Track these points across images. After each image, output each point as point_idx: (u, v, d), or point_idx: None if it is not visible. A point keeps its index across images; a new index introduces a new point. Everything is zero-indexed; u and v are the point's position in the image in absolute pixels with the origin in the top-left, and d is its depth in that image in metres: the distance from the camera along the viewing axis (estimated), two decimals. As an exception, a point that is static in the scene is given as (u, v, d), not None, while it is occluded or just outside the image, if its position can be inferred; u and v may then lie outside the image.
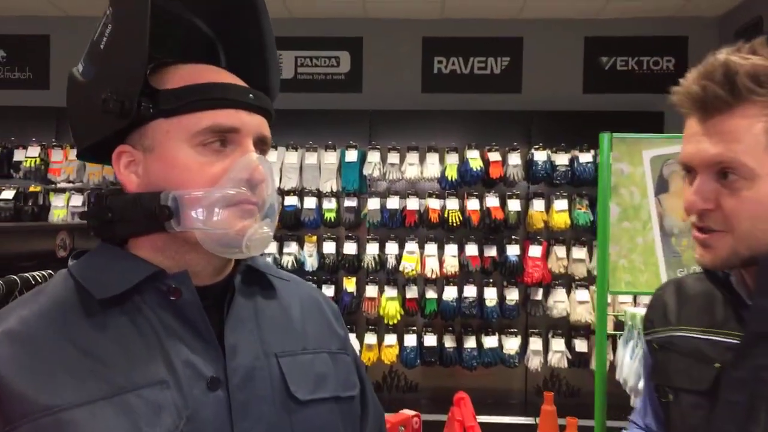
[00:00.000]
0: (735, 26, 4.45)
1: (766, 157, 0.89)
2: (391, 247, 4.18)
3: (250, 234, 0.80)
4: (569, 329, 4.26)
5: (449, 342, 4.21)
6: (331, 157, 4.22)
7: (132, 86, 0.78)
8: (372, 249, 4.19)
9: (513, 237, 4.19)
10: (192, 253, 0.82)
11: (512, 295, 4.18)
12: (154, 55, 0.82)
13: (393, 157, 4.22)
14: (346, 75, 4.89)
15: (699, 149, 0.93)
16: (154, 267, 0.81)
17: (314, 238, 4.30)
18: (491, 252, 4.18)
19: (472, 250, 4.14)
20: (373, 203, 4.19)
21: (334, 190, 4.22)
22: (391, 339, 4.18)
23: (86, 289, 0.79)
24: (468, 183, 4.14)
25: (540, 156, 4.14)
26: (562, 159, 4.14)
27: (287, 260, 4.19)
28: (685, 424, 1.03)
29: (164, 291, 0.80)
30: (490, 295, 4.15)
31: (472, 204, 4.12)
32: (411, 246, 4.15)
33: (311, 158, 4.23)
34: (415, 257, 4.13)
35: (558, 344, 4.18)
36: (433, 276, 4.11)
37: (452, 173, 4.13)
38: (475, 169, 4.08)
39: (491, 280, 4.20)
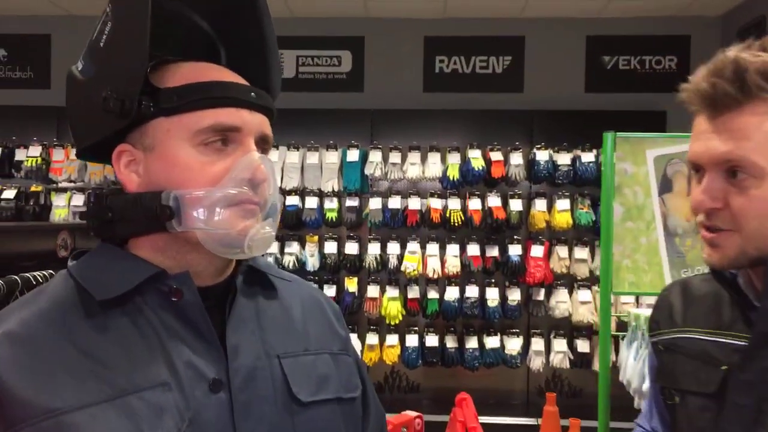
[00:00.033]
0: (737, 25, 4.44)
1: None
2: (393, 247, 4.17)
3: (252, 234, 0.79)
4: (571, 329, 4.26)
5: (451, 342, 4.21)
6: (332, 157, 4.22)
7: (132, 85, 0.77)
8: (374, 249, 4.19)
9: (515, 237, 4.18)
10: (193, 254, 0.81)
11: (514, 296, 4.18)
12: (155, 53, 0.81)
13: (395, 157, 4.21)
14: (347, 74, 4.89)
15: (708, 147, 0.92)
16: (156, 267, 0.80)
17: (316, 237, 4.29)
18: (493, 252, 4.17)
19: (473, 250, 4.14)
20: (375, 203, 4.18)
21: (336, 189, 4.21)
22: (392, 339, 4.18)
23: (87, 290, 0.78)
24: (470, 183, 4.13)
25: (542, 155, 4.13)
26: (564, 158, 4.13)
27: (289, 260, 4.19)
28: (691, 426, 1.02)
29: (165, 292, 0.79)
30: (492, 295, 4.14)
31: (474, 204, 4.11)
32: (413, 246, 4.14)
33: (313, 158, 4.23)
34: (417, 257, 4.12)
35: (560, 345, 4.17)
36: (435, 276, 4.10)
37: (454, 173, 4.12)
38: (476, 169, 4.07)
39: (493, 280, 4.19)
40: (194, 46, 0.90)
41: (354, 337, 4.17)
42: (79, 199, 4.22)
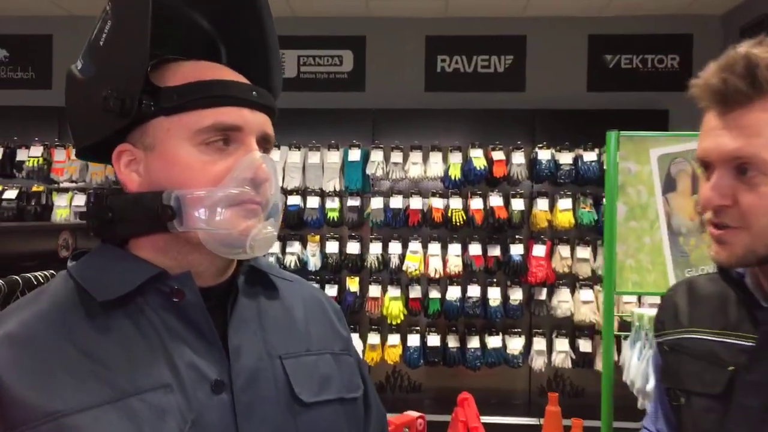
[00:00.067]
0: (740, 24, 4.43)
1: None
2: (395, 247, 4.17)
3: (254, 234, 0.78)
4: (573, 329, 4.25)
5: (452, 342, 4.20)
6: (334, 157, 4.22)
7: (133, 84, 0.76)
8: (375, 248, 4.18)
9: (517, 236, 4.18)
10: (194, 254, 0.80)
11: (516, 295, 4.17)
12: (155, 52, 0.80)
13: (396, 156, 4.21)
14: (349, 74, 4.88)
15: (718, 144, 0.91)
16: (157, 268, 0.79)
17: (317, 237, 4.29)
18: (495, 251, 4.17)
19: (475, 249, 4.13)
20: (376, 202, 4.18)
21: (337, 189, 4.21)
22: (394, 339, 4.18)
23: (87, 291, 0.78)
24: (471, 182, 4.12)
25: (544, 155, 4.13)
26: (566, 158, 4.12)
27: (290, 260, 4.19)
28: (697, 428, 1.02)
29: (167, 292, 0.78)
30: (494, 294, 4.14)
31: (476, 203, 4.10)
32: (414, 245, 4.14)
33: (314, 157, 4.22)
34: (419, 257, 4.12)
35: (562, 344, 4.16)
36: (437, 276, 4.10)
37: (456, 172, 4.11)
38: (478, 168, 4.07)
39: (495, 280, 4.18)
40: (194, 45, 0.89)
41: (356, 337, 4.16)
42: (80, 200, 4.22)
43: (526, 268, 4.12)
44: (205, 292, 0.80)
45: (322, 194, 4.24)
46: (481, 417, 2.39)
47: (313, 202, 4.20)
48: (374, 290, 4.19)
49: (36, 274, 1.68)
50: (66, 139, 4.48)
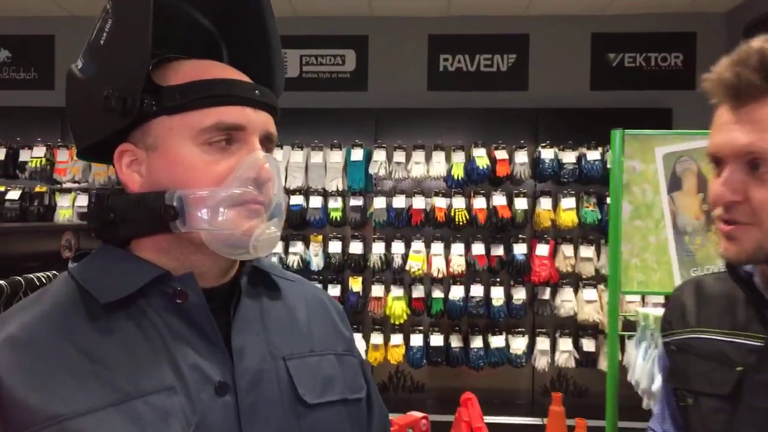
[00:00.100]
0: (743, 22, 4.41)
1: None
2: (397, 247, 4.16)
3: (257, 234, 0.78)
4: (577, 329, 4.24)
5: (456, 342, 4.20)
6: (336, 156, 4.21)
7: (134, 83, 0.76)
8: (378, 248, 4.18)
9: (520, 236, 4.17)
10: (197, 254, 0.80)
11: (519, 295, 4.16)
12: (155, 52, 0.79)
13: (399, 156, 4.20)
14: (351, 73, 4.88)
15: (730, 138, 0.90)
16: (160, 269, 0.78)
17: (320, 237, 4.28)
18: (498, 251, 4.16)
19: (478, 249, 4.12)
20: (379, 202, 4.17)
21: (340, 189, 4.21)
22: (397, 339, 4.17)
23: (89, 293, 0.77)
24: (474, 181, 4.12)
25: (547, 154, 4.12)
26: (569, 157, 4.12)
27: (293, 260, 4.18)
28: (705, 429, 1.01)
29: (170, 294, 0.78)
30: (497, 294, 4.13)
31: (479, 202, 4.10)
32: (417, 245, 4.13)
33: (317, 157, 4.22)
34: (422, 256, 4.11)
35: (565, 344, 4.15)
36: (440, 275, 4.09)
37: (458, 172, 4.11)
38: (481, 168, 4.06)
39: (498, 280, 4.18)
40: (195, 45, 0.88)
41: (358, 337, 4.16)
42: (83, 200, 4.23)
43: (529, 267, 4.12)
44: (208, 293, 0.79)
45: (325, 194, 4.24)
46: (484, 417, 2.39)
47: (315, 201, 4.20)
48: (377, 290, 4.18)
49: (39, 274, 1.68)
50: (69, 139, 4.48)
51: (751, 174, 0.89)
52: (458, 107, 4.65)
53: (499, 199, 4.11)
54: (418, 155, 4.18)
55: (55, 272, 1.72)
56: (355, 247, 4.22)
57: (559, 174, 4.10)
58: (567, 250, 4.14)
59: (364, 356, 4.35)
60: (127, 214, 0.79)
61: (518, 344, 4.16)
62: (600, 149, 4.09)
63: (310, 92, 4.78)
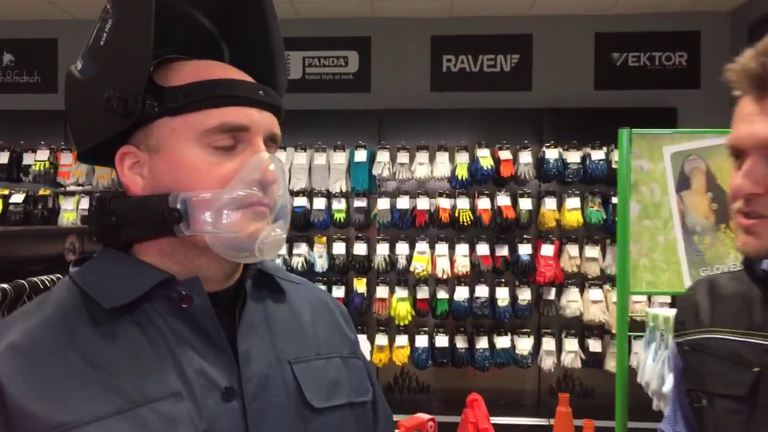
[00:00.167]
0: (748, 21, 4.39)
1: None
2: (402, 248, 4.15)
3: (263, 237, 0.76)
4: (582, 329, 4.23)
5: (461, 342, 4.18)
6: (340, 158, 4.20)
7: (136, 84, 0.74)
8: (382, 249, 4.17)
9: (525, 236, 4.16)
10: (201, 258, 0.79)
11: (524, 295, 4.15)
12: (156, 52, 0.78)
13: (402, 157, 4.20)
14: (354, 75, 4.87)
15: (753, 130, 0.89)
16: (164, 273, 0.77)
17: (324, 239, 4.28)
18: (503, 251, 4.15)
19: (483, 249, 4.11)
20: (383, 203, 4.16)
21: (344, 190, 4.20)
22: (402, 340, 4.16)
23: (92, 298, 0.76)
24: (479, 182, 4.11)
25: (551, 154, 4.11)
26: (573, 157, 4.10)
27: (297, 261, 4.18)
28: (720, 430, 0.99)
29: (174, 298, 0.77)
30: (502, 294, 4.12)
31: (483, 203, 4.08)
32: (421, 246, 4.12)
33: (320, 159, 4.22)
34: (426, 257, 4.10)
35: (571, 344, 4.14)
36: (444, 276, 4.08)
37: (462, 172, 4.09)
38: (485, 168, 4.05)
39: (503, 280, 4.16)
40: (195, 45, 0.87)
41: (363, 338, 4.15)
42: (87, 203, 4.23)
43: (534, 267, 4.10)
44: (213, 297, 0.78)
45: (329, 195, 4.23)
46: (490, 418, 2.37)
47: (319, 203, 4.19)
48: (382, 291, 4.17)
49: (42, 278, 1.67)
50: (72, 142, 4.48)
51: None
52: (462, 108, 4.64)
53: (503, 200, 4.10)
54: (422, 156, 4.18)
55: (59, 275, 1.72)
56: (360, 249, 4.22)
57: (563, 174, 4.09)
58: (572, 250, 4.12)
59: (368, 357, 4.33)
60: (129, 217, 0.78)
61: (524, 345, 4.15)
62: (604, 149, 4.08)
63: (313, 94, 4.78)
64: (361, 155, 4.20)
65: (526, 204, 4.10)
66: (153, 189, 0.78)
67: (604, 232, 4.14)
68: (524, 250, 4.11)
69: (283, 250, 4.19)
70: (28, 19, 4.87)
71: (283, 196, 0.81)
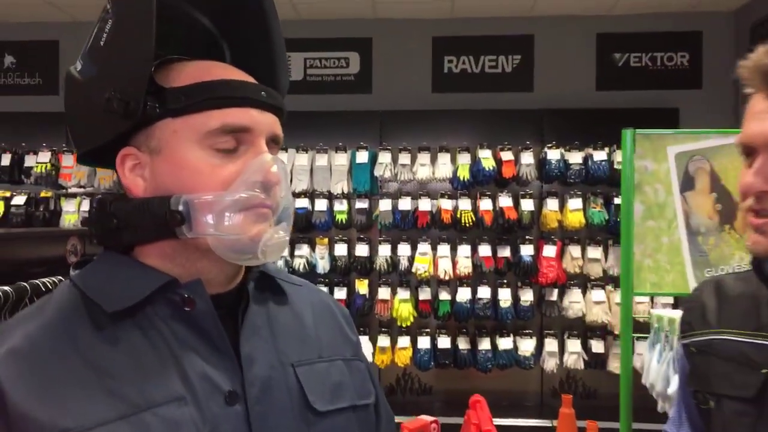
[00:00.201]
0: (750, 21, 4.38)
1: None
2: (404, 249, 4.14)
3: (266, 239, 0.76)
4: (585, 330, 4.22)
5: (463, 344, 4.18)
6: (341, 159, 4.20)
7: (137, 85, 0.74)
8: (384, 251, 4.16)
9: (527, 237, 4.15)
10: (203, 261, 0.78)
11: (527, 296, 4.14)
12: (157, 52, 0.77)
13: (404, 158, 4.19)
14: (355, 76, 4.86)
15: (765, 128, 0.88)
16: (167, 276, 0.77)
17: (326, 240, 4.27)
18: (505, 252, 4.14)
19: (485, 250, 4.10)
20: (385, 204, 4.16)
21: (345, 191, 4.19)
22: (404, 341, 4.15)
23: (93, 302, 0.75)
24: (480, 183, 4.10)
25: (553, 155, 4.10)
26: (575, 157, 4.09)
27: (299, 263, 4.17)
28: None
29: (177, 301, 0.76)
30: (504, 296, 4.11)
31: (485, 204, 4.08)
32: (423, 247, 4.11)
33: (322, 160, 4.21)
34: (428, 258, 4.09)
35: (574, 345, 4.12)
36: (446, 277, 4.07)
37: (464, 173, 4.09)
38: (487, 169, 4.04)
39: (505, 281, 4.15)
40: (195, 45, 0.86)
41: (365, 340, 4.15)
42: (88, 205, 4.22)
43: (536, 268, 4.09)
44: (215, 300, 0.77)
45: (330, 197, 4.23)
46: (492, 419, 2.37)
47: (321, 204, 4.19)
48: (383, 292, 4.17)
49: (44, 280, 1.67)
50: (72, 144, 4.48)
51: None
52: (463, 109, 4.63)
53: (505, 201, 4.09)
54: (424, 157, 4.17)
55: (60, 278, 1.71)
56: (361, 250, 4.21)
57: (565, 175, 4.08)
58: (574, 251, 4.11)
59: (370, 359, 4.32)
60: (130, 219, 0.77)
61: (526, 346, 4.14)
62: (606, 149, 4.07)
63: (315, 95, 4.77)
64: (362, 156, 4.20)
65: (528, 205, 4.09)
66: (154, 191, 0.77)
67: (606, 232, 4.13)
68: (526, 251, 4.10)
69: (285, 252, 4.16)
70: (29, 20, 4.87)
71: (286, 197, 0.80)
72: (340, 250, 4.22)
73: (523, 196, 4.12)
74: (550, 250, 4.10)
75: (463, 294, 4.10)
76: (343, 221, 4.19)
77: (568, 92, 4.66)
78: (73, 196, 4.31)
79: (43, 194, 4.34)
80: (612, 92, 4.69)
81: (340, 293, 4.21)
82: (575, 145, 4.12)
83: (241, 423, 0.74)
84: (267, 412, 0.76)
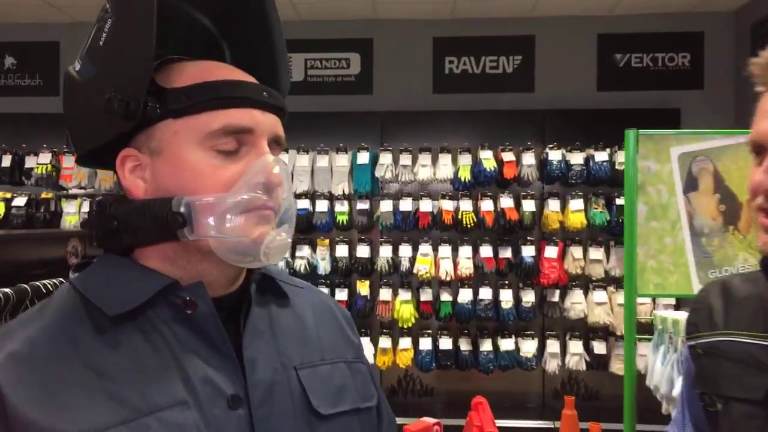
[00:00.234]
0: (751, 21, 4.37)
1: None
2: (405, 250, 4.14)
3: (268, 241, 0.75)
4: (587, 331, 4.21)
5: (465, 345, 4.17)
6: (342, 160, 4.19)
7: (138, 85, 0.73)
8: (385, 252, 4.16)
9: (528, 238, 4.14)
10: (205, 263, 0.77)
11: (528, 297, 4.13)
12: (157, 52, 0.76)
13: (405, 159, 4.19)
14: (356, 77, 4.86)
15: None
16: (168, 278, 0.76)
17: (327, 241, 4.27)
18: (506, 253, 4.13)
19: (486, 251, 4.10)
20: (386, 205, 4.15)
21: (346, 192, 4.19)
22: (405, 342, 4.14)
23: (94, 305, 0.74)
24: (481, 184, 4.09)
25: (554, 155, 4.09)
26: (577, 158, 4.09)
27: (300, 264, 4.17)
28: None
29: (178, 304, 0.75)
30: (506, 297, 4.10)
31: (486, 205, 4.07)
32: (425, 248, 4.11)
33: (322, 161, 4.21)
34: (429, 259, 4.08)
35: (576, 346, 4.12)
36: (448, 278, 4.07)
37: (465, 174, 4.08)
38: (488, 170, 4.04)
39: (507, 282, 4.15)
40: (195, 45, 0.86)
41: (366, 341, 4.14)
42: (89, 206, 4.22)
43: (538, 269, 4.09)
44: (216, 303, 0.77)
45: (331, 198, 4.22)
46: (495, 421, 2.36)
47: (322, 205, 4.18)
48: (385, 294, 4.16)
49: (45, 281, 1.67)
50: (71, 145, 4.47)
51: None
52: (464, 109, 4.63)
53: (506, 201, 4.08)
54: (425, 158, 4.16)
55: (61, 279, 1.71)
56: (362, 251, 4.20)
57: (567, 175, 4.07)
58: (576, 251, 4.11)
59: (372, 360, 4.31)
60: (131, 221, 0.76)
61: (528, 347, 4.13)
62: (608, 150, 4.07)
63: (315, 96, 4.77)
64: (363, 157, 4.19)
65: (529, 206, 4.08)
66: (155, 193, 0.76)
67: (607, 233, 4.13)
68: (528, 251, 4.10)
69: (286, 253, 4.17)
70: (30, 21, 4.87)
71: (288, 199, 0.80)
72: (341, 251, 4.22)
73: (525, 197, 4.11)
74: (551, 251, 4.10)
75: (465, 295, 4.09)
76: (344, 222, 4.18)
77: (570, 93, 4.65)
78: (74, 197, 4.31)
79: (43, 195, 4.34)
80: (613, 93, 4.69)
81: (342, 294, 4.21)
82: (576, 146, 4.11)
83: (244, 427, 0.73)
84: (270, 416, 0.75)
